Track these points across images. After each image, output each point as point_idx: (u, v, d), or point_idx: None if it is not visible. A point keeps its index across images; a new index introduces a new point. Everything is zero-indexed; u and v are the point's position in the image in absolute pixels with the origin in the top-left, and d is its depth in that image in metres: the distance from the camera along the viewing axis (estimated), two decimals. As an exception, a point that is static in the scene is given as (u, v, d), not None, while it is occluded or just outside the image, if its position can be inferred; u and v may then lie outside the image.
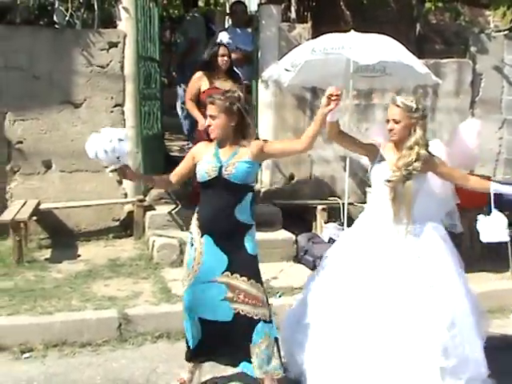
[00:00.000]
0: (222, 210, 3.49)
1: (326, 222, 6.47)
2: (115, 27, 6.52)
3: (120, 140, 3.43)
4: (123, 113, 6.43)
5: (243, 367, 3.65)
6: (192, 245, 3.59)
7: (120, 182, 6.50)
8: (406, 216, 3.55)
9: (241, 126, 3.55)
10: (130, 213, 6.42)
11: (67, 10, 7.00)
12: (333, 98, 3.31)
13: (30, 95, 6.15)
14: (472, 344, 3.51)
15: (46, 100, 6.20)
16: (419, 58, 5.85)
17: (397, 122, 3.58)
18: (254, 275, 3.55)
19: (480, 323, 3.65)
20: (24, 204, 6.02)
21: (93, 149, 3.44)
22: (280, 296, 5.05)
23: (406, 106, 3.56)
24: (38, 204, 6.10)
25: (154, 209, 6.33)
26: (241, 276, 3.51)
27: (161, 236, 5.93)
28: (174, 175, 3.71)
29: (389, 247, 3.55)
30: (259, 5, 7.40)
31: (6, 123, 6.16)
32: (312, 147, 3.52)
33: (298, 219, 6.76)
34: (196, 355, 3.74)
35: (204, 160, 3.56)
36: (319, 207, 6.62)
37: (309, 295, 3.76)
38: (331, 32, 5.70)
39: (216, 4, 10.52)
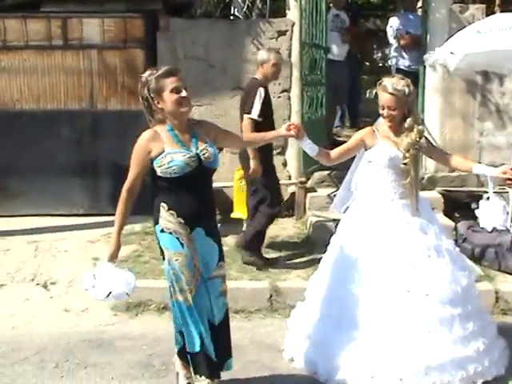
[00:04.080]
0: (207, 199, 3.27)
1: (491, 212, 6.18)
2: (285, 16, 6.83)
3: (127, 294, 3.21)
4: (289, 98, 6.73)
5: (227, 367, 3.45)
6: (182, 245, 3.21)
7: (284, 165, 6.83)
8: (415, 196, 3.71)
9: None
10: (293, 194, 6.71)
11: (244, 2, 7.49)
12: (292, 128, 3.54)
13: (206, 82, 6.68)
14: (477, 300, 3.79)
15: (219, 87, 6.71)
16: None
17: (393, 109, 3.65)
18: None
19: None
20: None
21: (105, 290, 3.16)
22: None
23: (399, 92, 3.61)
24: (210, 182, 6.64)
25: (315, 191, 6.56)
26: (224, 262, 3.41)
27: (319, 217, 6.15)
28: (136, 185, 3.24)
29: (396, 229, 3.71)
30: (430, -13, 7.21)
31: (184, 108, 6.76)
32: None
33: (466, 207, 6.55)
34: (217, 368, 3.38)
35: (168, 150, 3.16)
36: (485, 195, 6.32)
37: (324, 287, 3.86)
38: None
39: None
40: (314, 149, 3.76)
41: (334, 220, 6.00)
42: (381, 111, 3.72)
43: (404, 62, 7.14)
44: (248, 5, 7.53)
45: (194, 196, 3.20)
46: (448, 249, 3.75)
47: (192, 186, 3.18)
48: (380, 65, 12.57)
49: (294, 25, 6.62)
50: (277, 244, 5.95)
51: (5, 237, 5.95)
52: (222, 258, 3.39)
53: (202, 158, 3.22)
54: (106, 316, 4.55)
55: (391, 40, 7.36)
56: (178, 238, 3.19)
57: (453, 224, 5.89)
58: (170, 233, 3.20)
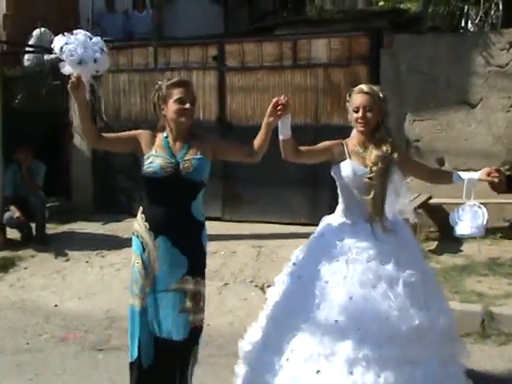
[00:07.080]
0: (178, 209, 3.19)
1: None
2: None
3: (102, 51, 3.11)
4: (519, 113, 6.36)
5: None
6: (144, 250, 3.23)
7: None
8: (380, 212, 3.27)
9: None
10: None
11: (477, 14, 7.26)
12: (278, 107, 3.06)
13: (428, 97, 6.63)
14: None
15: (442, 101, 6.59)
16: None
17: (369, 111, 3.26)
18: (205, 275, 3.31)
19: None
20: (417, 197, 6.53)
21: (79, 49, 3.02)
22: None
23: (375, 92, 3.28)
24: (429, 198, 6.54)
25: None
26: (201, 279, 3.23)
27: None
28: (105, 136, 3.28)
29: (366, 246, 3.27)
30: None
31: (405, 123, 6.77)
32: (260, 158, 3.26)
33: None
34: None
35: (153, 152, 3.22)
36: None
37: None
38: None
39: None
40: (287, 132, 3.24)
41: None
42: (354, 115, 3.30)
43: None
44: (481, 16, 7.27)
45: (163, 204, 3.21)
46: (410, 283, 3.21)
47: (164, 193, 3.21)
48: None
49: (531, 35, 6.25)
50: (496, 266, 5.64)
51: (234, 240, 6.57)
52: (191, 272, 3.20)
53: (180, 166, 3.20)
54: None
55: None
56: (142, 242, 3.24)
57: None
58: (137, 236, 3.26)
